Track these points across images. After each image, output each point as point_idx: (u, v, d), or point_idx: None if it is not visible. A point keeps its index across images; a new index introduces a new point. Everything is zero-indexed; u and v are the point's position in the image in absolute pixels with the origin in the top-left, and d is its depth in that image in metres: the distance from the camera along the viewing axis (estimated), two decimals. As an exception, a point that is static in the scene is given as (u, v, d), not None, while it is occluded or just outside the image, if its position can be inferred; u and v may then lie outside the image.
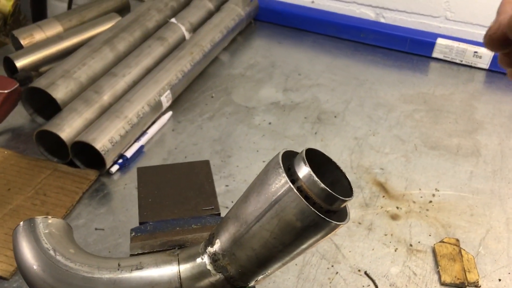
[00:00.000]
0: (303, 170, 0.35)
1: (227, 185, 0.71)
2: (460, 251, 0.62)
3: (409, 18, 1.08)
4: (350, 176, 0.73)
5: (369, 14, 1.12)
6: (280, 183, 0.35)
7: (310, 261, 0.61)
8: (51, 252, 0.39)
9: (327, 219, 0.34)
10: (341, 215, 0.37)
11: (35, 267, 0.39)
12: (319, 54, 1.05)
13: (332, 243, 0.63)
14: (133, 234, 0.43)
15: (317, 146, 0.82)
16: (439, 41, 1.01)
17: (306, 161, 0.35)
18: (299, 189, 0.35)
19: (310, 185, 0.34)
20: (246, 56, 1.03)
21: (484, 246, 0.63)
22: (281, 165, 0.35)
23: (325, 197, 0.35)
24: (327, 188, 0.34)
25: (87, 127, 0.72)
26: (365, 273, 0.60)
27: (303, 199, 0.34)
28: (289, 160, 0.37)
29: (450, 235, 0.65)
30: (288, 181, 0.34)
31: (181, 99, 0.89)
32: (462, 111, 0.88)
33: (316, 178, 0.34)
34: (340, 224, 0.35)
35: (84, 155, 0.73)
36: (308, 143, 0.80)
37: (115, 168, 0.72)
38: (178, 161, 0.76)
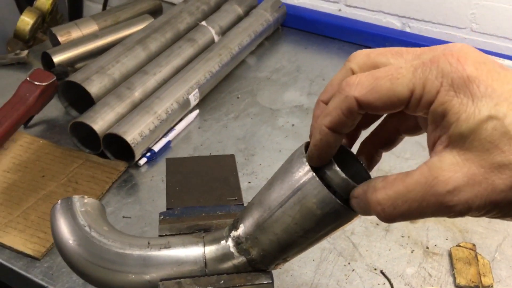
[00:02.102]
0: (325, 160, 0.37)
1: (249, 182, 0.73)
2: (476, 256, 0.63)
3: (435, 28, 1.10)
4: (370, 179, 0.75)
5: (395, 23, 1.13)
6: (303, 171, 0.37)
7: (328, 257, 0.62)
8: (87, 228, 0.42)
9: (346, 206, 0.36)
10: (360, 206, 0.39)
11: (71, 241, 0.42)
12: (344, 60, 1.06)
13: (350, 242, 0.65)
14: (162, 217, 0.46)
15: (339, 149, 0.84)
16: (464, 52, 1.01)
17: (329, 152, 0.37)
18: (321, 177, 0.37)
19: (332, 175, 0.37)
20: (272, 60, 1.06)
21: (500, 252, 0.64)
22: (305, 154, 0.37)
23: (346, 187, 0.37)
24: (347, 178, 0.36)
25: (118, 121, 0.76)
26: (381, 272, 0.61)
27: (325, 187, 0.36)
28: (312, 151, 0.39)
29: (467, 240, 0.66)
30: (311, 169, 0.37)
31: (208, 98, 0.92)
32: (484, 121, 0.88)
33: (337, 168, 0.36)
34: (358, 213, 0.37)
35: (115, 147, 0.76)
36: (330, 146, 0.82)
37: (143, 160, 0.75)
38: (203, 157, 0.78)
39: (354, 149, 0.40)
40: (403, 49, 0.32)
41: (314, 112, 0.35)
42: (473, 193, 0.27)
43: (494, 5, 1.01)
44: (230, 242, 0.41)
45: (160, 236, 0.43)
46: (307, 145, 0.39)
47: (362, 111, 0.31)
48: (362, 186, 0.33)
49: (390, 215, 0.30)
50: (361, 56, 0.33)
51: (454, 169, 0.27)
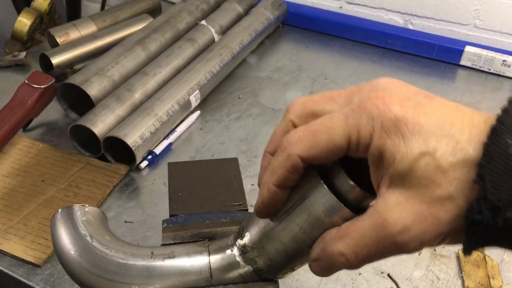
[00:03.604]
0: (333, 167, 0.36)
1: (252, 184, 0.72)
2: (484, 258, 0.61)
3: (438, 25, 1.08)
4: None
5: (397, 20, 1.12)
6: (310, 178, 0.36)
7: (333, 261, 0.61)
8: (88, 238, 0.41)
9: (356, 215, 0.35)
10: (369, 213, 0.38)
11: (72, 252, 0.41)
12: (346, 59, 1.05)
13: (356, 245, 0.64)
14: (165, 225, 0.44)
15: (342, 150, 0.82)
16: (467, 48, 1.00)
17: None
18: (329, 185, 0.36)
19: (340, 182, 0.35)
20: (274, 59, 1.05)
21: (508, 253, 0.63)
22: (312, 161, 0.36)
23: (355, 194, 0.35)
24: (356, 185, 0.35)
25: (119, 123, 0.75)
26: (388, 275, 0.60)
27: (333, 195, 0.35)
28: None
29: (475, 241, 0.65)
30: (318, 176, 0.35)
31: (209, 99, 0.91)
32: (489, 119, 0.87)
33: (345, 175, 0.35)
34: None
35: (115, 150, 0.75)
36: (333, 146, 0.80)
37: (144, 163, 0.74)
38: (205, 159, 0.77)
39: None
40: (334, 93, 0.33)
41: (262, 163, 0.37)
42: (422, 229, 0.28)
43: (498, 1, 1.00)
44: (235, 251, 0.40)
45: (164, 245, 0.42)
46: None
47: (306, 164, 0.32)
48: (317, 247, 0.34)
49: (354, 261, 0.31)
50: (298, 106, 0.35)
51: (399, 209, 0.28)
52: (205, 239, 0.43)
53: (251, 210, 0.59)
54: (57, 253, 0.42)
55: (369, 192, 0.36)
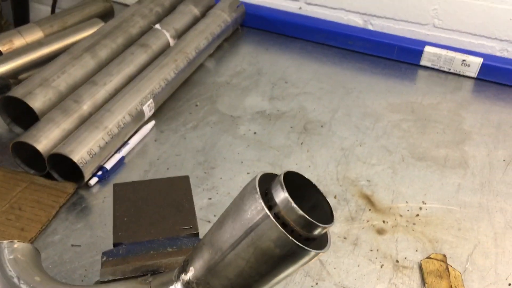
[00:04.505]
0: (281, 196, 0.33)
1: (210, 198, 0.69)
2: (447, 268, 0.60)
3: (397, 25, 1.07)
4: (336, 189, 0.72)
5: (357, 21, 1.10)
6: (257, 209, 0.33)
7: (294, 278, 0.59)
8: (15, 280, 0.37)
9: (306, 248, 0.32)
10: (322, 242, 0.35)
11: (-2, 295, 0.37)
12: (307, 61, 1.03)
13: (317, 260, 0.61)
14: (104, 258, 0.41)
15: (303, 157, 0.80)
16: (427, 49, 1.00)
17: (284, 186, 0.33)
18: (276, 216, 0.33)
19: (288, 212, 0.33)
20: (232, 63, 1.01)
21: (471, 262, 0.62)
22: (258, 190, 0.33)
23: (304, 224, 0.33)
24: (305, 215, 0.32)
25: (65, 138, 0.70)
26: (350, 291, 0.58)
27: (280, 227, 0.32)
28: (267, 183, 0.35)
29: (437, 250, 0.63)
30: (265, 207, 0.33)
31: (165, 107, 0.87)
32: (450, 120, 0.86)
33: (294, 205, 0.32)
34: (320, 253, 0.33)
35: (62, 166, 0.70)
36: (294, 154, 0.78)
37: (94, 180, 0.70)
38: (160, 172, 0.73)
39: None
40: None
41: None
42: None
43: (457, 0, 0.99)
44: (179, 287, 0.37)
45: (101, 282, 0.39)
46: (261, 177, 0.35)
47: None
48: None
49: None
50: None
51: None
52: (148, 274, 0.40)
53: (205, 228, 0.56)
54: (-18, 296, 0.38)
55: (319, 222, 0.33)
